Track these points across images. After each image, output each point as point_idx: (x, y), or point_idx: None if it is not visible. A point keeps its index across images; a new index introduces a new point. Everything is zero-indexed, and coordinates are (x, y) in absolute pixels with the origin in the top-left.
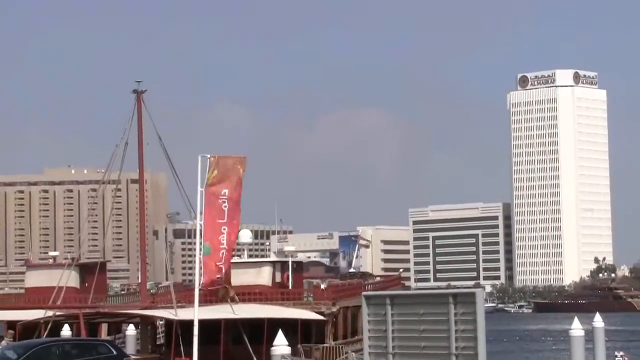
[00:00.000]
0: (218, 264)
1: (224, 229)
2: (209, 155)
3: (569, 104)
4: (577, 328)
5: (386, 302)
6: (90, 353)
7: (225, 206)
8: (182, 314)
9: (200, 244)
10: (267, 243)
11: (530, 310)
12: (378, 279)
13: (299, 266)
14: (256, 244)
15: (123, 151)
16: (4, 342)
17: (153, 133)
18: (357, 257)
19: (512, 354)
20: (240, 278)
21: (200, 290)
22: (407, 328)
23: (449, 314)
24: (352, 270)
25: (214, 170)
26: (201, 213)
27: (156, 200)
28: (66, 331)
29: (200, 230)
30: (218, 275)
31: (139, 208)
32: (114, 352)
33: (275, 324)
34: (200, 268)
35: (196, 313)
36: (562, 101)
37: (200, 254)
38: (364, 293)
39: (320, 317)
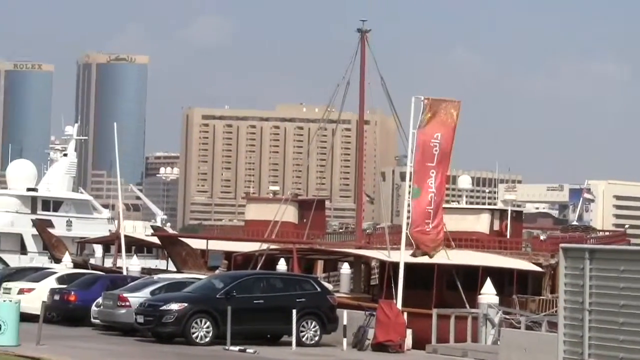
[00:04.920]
0: (427, 208)
1: (433, 172)
2: (422, 97)
3: None
4: None
5: (585, 256)
6: (294, 288)
7: (437, 150)
8: (395, 256)
9: (410, 187)
10: (487, 190)
11: None
12: (601, 233)
13: (518, 215)
14: (477, 190)
15: (345, 91)
16: (217, 271)
17: (376, 73)
18: (586, 210)
19: None
20: (457, 224)
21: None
22: (606, 284)
23: None
24: (574, 223)
25: (427, 113)
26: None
27: (386, 142)
28: (282, 265)
29: (411, 173)
30: (427, 221)
31: (358, 147)
32: (318, 289)
33: (490, 273)
34: (409, 212)
35: (402, 255)
36: None
37: (409, 197)
38: (562, 245)
39: (538, 269)
